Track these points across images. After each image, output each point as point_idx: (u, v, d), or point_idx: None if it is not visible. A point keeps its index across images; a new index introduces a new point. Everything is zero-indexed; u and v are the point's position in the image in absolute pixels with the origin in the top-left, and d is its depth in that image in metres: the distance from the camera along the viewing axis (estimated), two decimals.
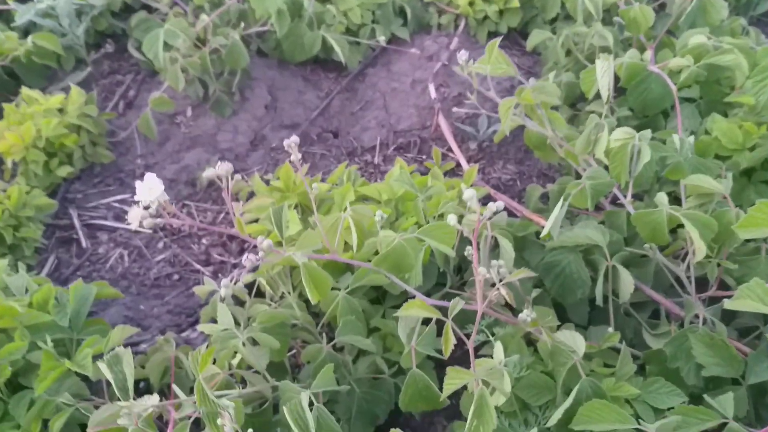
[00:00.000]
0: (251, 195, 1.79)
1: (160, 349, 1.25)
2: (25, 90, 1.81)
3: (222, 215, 1.82)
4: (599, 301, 1.24)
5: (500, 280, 0.97)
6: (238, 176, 1.04)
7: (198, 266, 1.69)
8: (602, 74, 1.19)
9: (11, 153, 1.73)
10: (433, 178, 1.51)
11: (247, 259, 0.93)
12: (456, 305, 0.88)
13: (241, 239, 1.76)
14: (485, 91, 1.25)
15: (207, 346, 1.08)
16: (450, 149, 1.86)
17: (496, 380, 0.86)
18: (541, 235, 1.18)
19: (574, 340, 1.09)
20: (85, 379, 1.21)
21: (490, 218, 0.84)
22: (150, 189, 0.94)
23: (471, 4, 2.11)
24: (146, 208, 0.96)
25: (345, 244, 1.34)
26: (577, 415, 1.01)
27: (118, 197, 1.84)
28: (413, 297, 1.37)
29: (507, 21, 2.11)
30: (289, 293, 1.23)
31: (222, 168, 0.99)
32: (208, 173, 0.98)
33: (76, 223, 1.78)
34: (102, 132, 1.91)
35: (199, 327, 1.08)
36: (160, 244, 1.75)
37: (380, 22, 2.14)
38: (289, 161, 1.87)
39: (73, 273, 1.68)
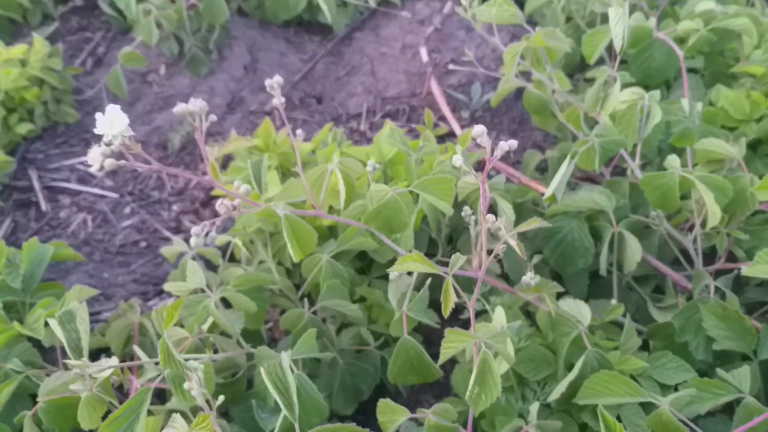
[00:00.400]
0: (227, 159, 1.67)
1: (123, 315, 1.13)
2: None
3: (194, 181, 1.70)
4: (603, 271, 1.16)
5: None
6: (213, 116, 0.92)
7: (167, 233, 1.57)
8: (616, 22, 1.10)
9: None
10: (426, 141, 1.40)
11: (222, 204, 0.82)
12: (457, 260, 0.78)
13: (213, 207, 1.64)
14: (489, 37, 1.15)
15: None
16: (441, 117, 1.76)
17: (500, 344, 0.77)
18: (544, 197, 1.08)
19: (578, 310, 1.00)
20: (37, 345, 1.09)
21: (500, 157, 0.75)
22: (112, 122, 0.82)
23: None
24: (108, 145, 0.84)
25: (330, 208, 1.24)
26: (583, 388, 0.92)
27: (83, 159, 1.70)
28: None
29: None
30: (269, 257, 1.12)
31: (196, 104, 0.88)
32: (179, 108, 0.86)
33: (36, 185, 1.65)
34: (67, 89, 1.77)
35: (165, 286, 0.97)
36: (127, 210, 1.62)
37: None
38: (268, 116, 1.75)
39: (31, 237, 1.54)
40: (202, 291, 0.96)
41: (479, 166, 1.59)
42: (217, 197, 1.63)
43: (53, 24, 1.97)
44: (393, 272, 0.98)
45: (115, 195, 1.64)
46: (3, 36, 1.87)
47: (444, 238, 1.32)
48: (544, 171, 1.64)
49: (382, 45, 2.00)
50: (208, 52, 1.82)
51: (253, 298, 1.01)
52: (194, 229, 0.80)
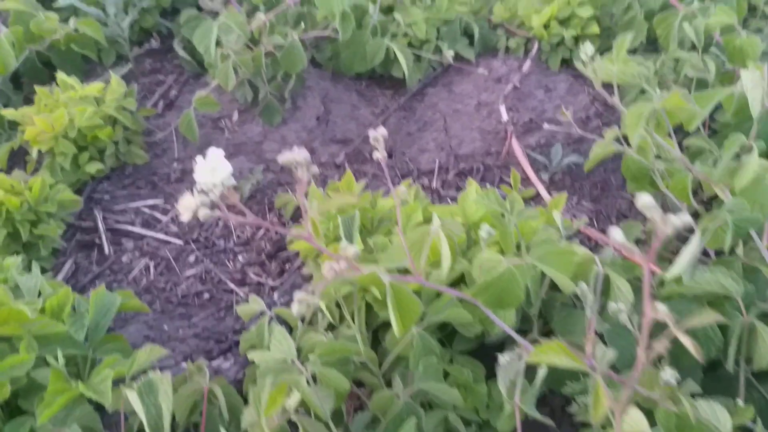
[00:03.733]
0: (297, 210, 1.60)
1: (190, 379, 1.04)
2: (60, 75, 1.65)
3: (262, 231, 1.62)
4: (729, 367, 1.02)
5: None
6: (315, 168, 0.85)
7: (232, 285, 1.49)
8: (752, 85, 1.00)
9: (38, 141, 1.55)
10: (513, 203, 1.30)
11: (331, 269, 0.72)
12: (604, 356, 0.67)
13: (281, 260, 1.56)
14: (609, 97, 1.06)
15: (254, 379, 0.86)
16: (521, 179, 1.66)
17: None
18: (669, 275, 0.97)
19: (715, 414, 0.87)
20: (98, 407, 1.00)
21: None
22: (213, 169, 0.75)
23: (546, 26, 1.95)
24: (205, 193, 0.76)
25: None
26: None
27: (149, 202, 1.66)
28: (493, 340, 1.16)
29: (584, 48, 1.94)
30: (356, 325, 1.02)
31: (300, 154, 0.80)
32: (284, 157, 0.79)
33: (101, 226, 1.59)
34: (139, 130, 1.74)
35: (250, 355, 0.87)
36: (191, 258, 1.55)
37: (445, 39, 1.99)
38: (348, 173, 1.68)
39: (92, 281, 1.48)
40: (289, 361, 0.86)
41: (573, 236, 1.48)
42: (289, 250, 1.55)
43: (127, 65, 1.97)
44: (504, 357, 0.87)
45: (179, 241, 1.57)
46: (76, 73, 1.87)
47: (537, 314, 1.21)
48: (638, 243, 1.52)
49: (456, 101, 1.94)
50: (282, 101, 1.78)
51: (338, 371, 0.91)
52: (298, 296, 0.71)
